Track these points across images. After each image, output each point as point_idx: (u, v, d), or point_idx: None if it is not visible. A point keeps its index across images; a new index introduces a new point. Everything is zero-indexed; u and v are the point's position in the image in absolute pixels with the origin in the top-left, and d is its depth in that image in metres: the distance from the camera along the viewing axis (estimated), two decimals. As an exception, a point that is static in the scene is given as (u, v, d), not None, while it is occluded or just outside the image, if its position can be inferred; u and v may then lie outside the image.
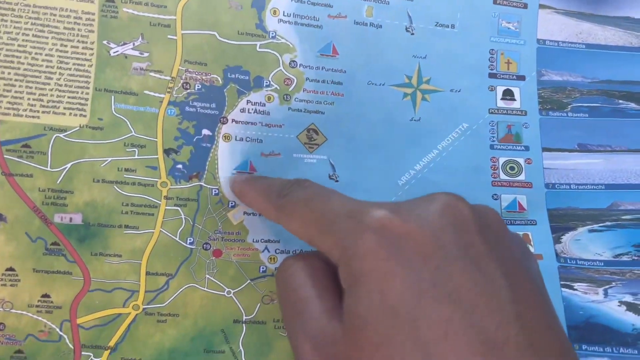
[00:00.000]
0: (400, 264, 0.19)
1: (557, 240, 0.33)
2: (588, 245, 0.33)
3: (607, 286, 0.32)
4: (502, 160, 0.35)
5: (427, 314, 0.17)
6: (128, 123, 0.32)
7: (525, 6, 0.38)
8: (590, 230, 0.33)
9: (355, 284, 0.20)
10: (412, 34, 0.36)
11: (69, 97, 0.32)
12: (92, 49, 0.32)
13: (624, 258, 0.33)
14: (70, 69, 0.32)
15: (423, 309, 0.18)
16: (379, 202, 0.22)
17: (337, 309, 0.21)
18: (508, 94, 0.36)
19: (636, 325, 0.31)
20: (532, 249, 0.33)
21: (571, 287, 0.32)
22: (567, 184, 0.34)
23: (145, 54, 0.33)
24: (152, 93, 0.33)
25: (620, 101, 0.36)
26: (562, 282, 0.32)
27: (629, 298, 0.32)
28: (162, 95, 0.33)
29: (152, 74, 0.33)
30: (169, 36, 0.33)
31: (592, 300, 0.32)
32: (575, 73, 0.37)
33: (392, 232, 0.19)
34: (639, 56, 0.38)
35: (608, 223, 0.34)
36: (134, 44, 0.33)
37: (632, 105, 0.36)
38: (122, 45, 0.33)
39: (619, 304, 0.32)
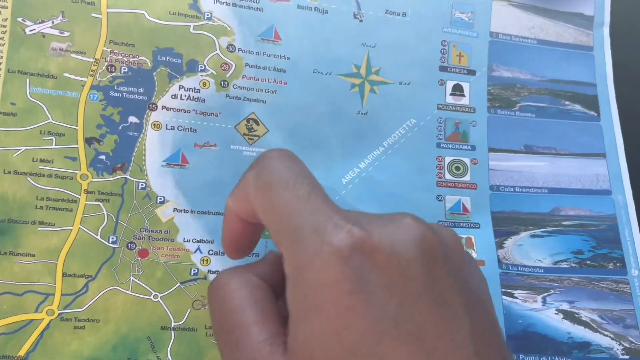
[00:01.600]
0: (364, 300, 0.17)
1: (499, 246, 0.35)
2: (529, 251, 0.35)
3: (545, 294, 0.35)
4: (448, 159, 0.36)
5: (387, 356, 0.17)
6: (45, 109, 0.31)
7: None
8: (532, 236, 0.36)
9: (307, 314, 0.18)
10: (361, 20, 0.37)
11: (-25, 78, 0.30)
12: (4, 26, 0.31)
13: (563, 265, 0.35)
14: (-24, 46, 0.30)
15: (383, 350, 0.17)
16: (348, 211, 0.21)
17: (279, 337, 0.20)
18: (457, 89, 0.37)
19: (571, 334, 0.34)
20: (474, 254, 0.34)
21: (511, 295, 0.34)
22: (511, 187, 0.36)
23: (66, 33, 0.32)
24: (72, 76, 0.32)
25: (567, 102, 0.39)
26: (503, 290, 0.34)
27: (565, 306, 0.34)
28: (84, 79, 0.32)
29: (73, 55, 0.32)
30: (92, 14, 0.33)
31: (531, 309, 0.34)
32: (525, 70, 0.39)
33: (360, 258, 0.18)
34: (587, 55, 0.40)
35: (549, 228, 0.36)
36: (53, 22, 0.32)
37: (578, 107, 0.38)
38: (39, 23, 0.31)
39: (556, 312, 0.34)
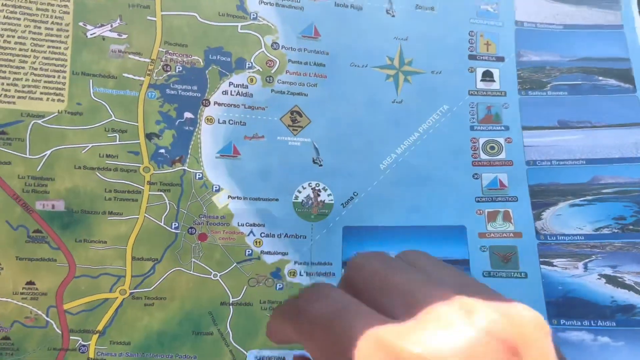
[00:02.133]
0: None
1: (537, 217, 0.36)
2: (569, 220, 0.37)
3: (587, 260, 0.36)
4: (482, 140, 0.38)
5: None
6: (108, 107, 0.34)
7: None
8: (572, 205, 0.37)
9: None
10: (393, 16, 0.39)
11: (45, 82, 0.33)
12: (67, 30, 0.34)
13: (605, 231, 0.36)
14: (45, 52, 0.33)
15: None
16: (411, 323, 0.18)
17: None
18: (487, 75, 0.39)
19: (615, 298, 0.35)
20: (512, 227, 0.36)
21: (550, 264, 0.36)
22: (548, 160, 0.37)
23: (124, 36, 0.35)
24: (131, 76, 0.35)
25: (600, 77, 0.40)
26: (541, 260, 0.36)
27: (608, 271, 0.35)
28: (142, 78, 0.35)
29: (131, 56, 0.35)
30: (148, 17, 0.35)
31: (572, 275, 0.35)
32: (554, 53, 0.41)
33: None
34: (617, 33, 0.41)
35: (589, 197, 0.37)
36: (111, 26, 0.35)
37: (612, 81, 0.39)
38: (99, 27, 0.34)
39: (598, 277, 0.35)
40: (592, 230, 0.36)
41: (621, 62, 0.40)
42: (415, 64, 0.39)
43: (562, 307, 0.34)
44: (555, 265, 0.35)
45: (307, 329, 0.20)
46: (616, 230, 0.36)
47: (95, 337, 0.32)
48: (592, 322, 0.34)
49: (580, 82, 0.39)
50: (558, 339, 0.33)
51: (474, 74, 0.39)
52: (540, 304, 0.34)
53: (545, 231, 0.36)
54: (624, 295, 0.34)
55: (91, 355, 0.32)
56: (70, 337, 0.32)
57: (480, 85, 0.39)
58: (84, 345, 0.32)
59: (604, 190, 0.37)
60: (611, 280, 0.35)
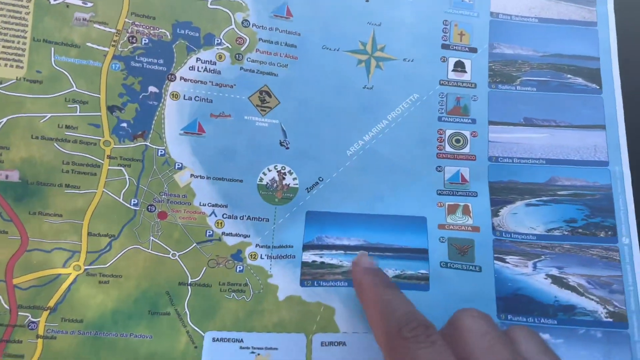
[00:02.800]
0: None
1: (495, 214, 0.37)
2: (524, 219, 0.37)
3: (536, 259, 0.37)
4: (448, 132, 0.38)
5: None
6: (69, 77, 0.33)
7: None
8: (528, 205, 0.38)
9: None
10: (367, 0, 0.39)
11: (3, 47, 0.32)
12: None
13: (555, 232, 0.37)
14: (4, 15, 0.32)
15: None
16: None
17: None
18: (459, 66, 0.39)
19: (558, 298, 0.36)
20: (470, 220, 0.36)
21: (503, 260, 0.36)
22: (509, 158, 0.38)
23: (89, 4, 0.33)
24: (95, 46, 0.34)
25: (569, 76, 0.40)
26: (495, 255, 0.37)
27: (554, 271, 0.37)
28: (106, 49, 0.34)
29: (96, 25, 0.34)
30: None
31: (522, 273, 0.36)
32: (526, 46, 0.41)
33: None
34: (591, 30, 0.42)
35: (545, 198, 0.38)
36: None
37: (579, 80, 0.40)
38: None
39: (545, 276, 0.36)
40: (544, 230, 0.37)
41: (591, 61, 0.41)
42: (388, 50, 0.38)
43: (510, 303, 0.35)
44: (508, 262, 0.36)
45: (404, 354, 0.26)
46: (566, 233, 0.37)
47: (45, 313, 0.31)
48: (535, 319, 0.35)
49: (549, 79, 0.40)
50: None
51: (445, 63, 0.39)
52: (491, 298, 0.35)
53: (501, 228, 0.37)
54: (566, 296, 0.35)
55: (40, 332, 0.31)
56: (19, 313, 0.31)
57: (452, 75, 0.39)
58: (33, 322, 0.31)
59: (560, 192, 0.38)
60: (556, 280, 0.36)
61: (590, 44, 0.41)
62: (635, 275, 0.36)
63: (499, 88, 0.39)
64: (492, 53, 0.40)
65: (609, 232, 0.37)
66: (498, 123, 0.39)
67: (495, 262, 0.36)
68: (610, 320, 0.35)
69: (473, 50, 0.40)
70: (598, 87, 0.40)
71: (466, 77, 0.39)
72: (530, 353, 0.26)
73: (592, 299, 0.35)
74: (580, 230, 0.37)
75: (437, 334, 0.26)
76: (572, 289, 0.35)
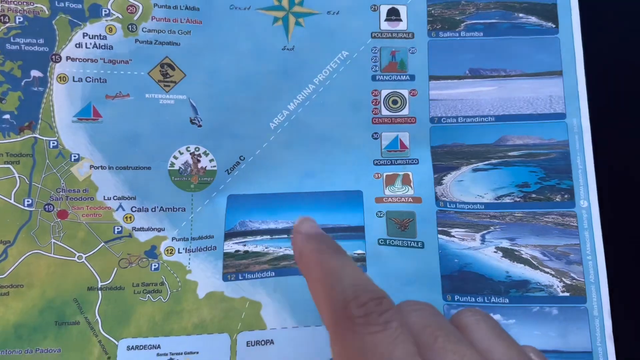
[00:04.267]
0: None
1: (438, 182, 0.33)
2: (470, 186, 0.33)
3: (485, 231, 0.33)
4: (384, 93, 0.34)
5: None
6: None
7: None
8: (475, 170, 0.34)
9: None
10: None
11: None
12: None
13: (506, 200, 0.33)
14: None
15: None
16: None
17: None
18: (393, 14, 0.34)
19: (510, 273, 0.32)
20: (411, 191, 0.32)
21: (448, 234, 0.33)
22: (454, 117, 0.34)
23: None
24: None
25: (521, 15, 0.35)
26: (439, 228, 0.33)
27: (506, 244, 0.33)
28: None
29: None
30: None
31: (469, 247, 0.33)
32: None
33: None
34: None
35: (494, 161, 0.34)
36: None
37: (533, 19, 0.35)
38: None
39: (495, 250, 0.33)
40: (493, 198, 0.33)
41: None
42: (308, 3, 0.33)
43: (457, 282, 0.32)
44: (453, 236, 0.32)
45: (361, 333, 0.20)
46: (518, 199, 0.33)
47: (-60, 334, 0.28)
48: (485, 298, 0.31)
49: (498, 21, 0.35)
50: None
51: (377, 13, 0.34)
52: (436, 277, 0.32)
53: (445, 198, 0.33)
54: (519, 270, 0.32)
55: None
56: None
57: (385, 26, 0.34)
58: None
59: (511, 153, 0.33)
60: (508, 253, 0.32)
61: None
62: (594, 243, 0.32)
63: (440, 36, 0.34)
64: None
65: (566, 196, 0.32)
66: (440, 77, 0.34)
67: (439, 236, 0.32)
68: (567, 294, 0.31)
69: None
70: (554, 26, 0.35)
71: (401, 26, 0.34)
72: (481, 341, 0.21)
73: (547, 272, 0.32)
74: (533, 195, 0.33)
75: (394, 310, 0.20)
76: (525, 262, 0.32)
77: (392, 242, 0.32)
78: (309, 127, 0.33)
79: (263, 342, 0.30)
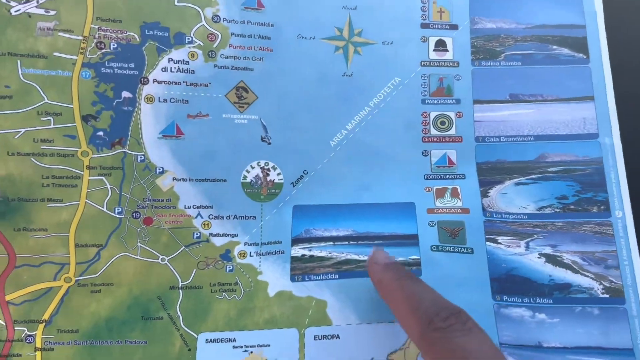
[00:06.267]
0: None
1: (484, 194, 0.35)
2: (514, 198, 0.36)
3: (528, 239, 0.35)
4: (433, 115, 0.36)
5: None
6: (39, 89, 0.31)
7: None
8: (517, 184, 0.36)
9: None
10: None
11: (-32, 63, 0.30)
12: None
13: (547, 210, 0.35)
14: (-35, 30, 0.30)
15: None
16: None
17: None
18: (440, 45, 0.36)
19: (553, 276, 0.35)
20: (460, 203, 0.34)
21: (495, 241, 0.35)
22: (496, 137, 0.36)
23: (52, 12, 0.32)
24: (63, 55, 0.32)
25: (554, 47, 0.38)
26: (487, 236, 0.35)
27: (548, 250, 0.35)
28: (74, 57, 0.32)
29: (61, 33, 0.32)
30: None
31: (514, 253, 0.35)
32: (509, 19, 0.38)
33: None
34: None
35: (534, 176, 0.36)
36: (37, 2, 0.32)
37: (565, 50, 0.37)
38: (24, 3, 0.31)
39: (538, 256, 0.35)
40: (535, 209, 0.35)
41: (576, 29, 0.38)
42: (366, 34, 0.36)
43: (505, 284, 0.34)
44: (500, 243, 0.35)
45: (441, 347, 0.24)
46: (558, 210, 0.35)
47: (41, 326, 0.30)
48: (531, 299, 0.34)
49: (534, 52, 0.37)
50: (501, 316, 0.33)
51: (426, 43, 0.37)
52: (485, 280, 0.34)
53: (492, 209, 0.35)
54: (561, 274, 0.34)
55: (38, 344, 0.30)
56: (15, 328, 0.30)
57: (433, 55, 0.37)
58: (30, 335, 0.30)
59: (550, 169, 0.36)
60: (550, 259, 0.34)
61: (575, 11, 0.38)
62: (630, 249, 0.34)
63: (483, 65, 0.37)
64: (474, 29, 0.37)
65: (602, 207, 0.35)
66: (483, 101, 0.37)
67: (487, 243, 0.34)
68: (607, 296, 0.33)
69: (454, 27, 0.37)
70: (585, 57, 0.37)
71: (448, 56, 0.37)
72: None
73: (588, 276, 0.34)
74: (572, 206, 0.35)
75: (471, 319, 0.25)
76: (567, 266, 0.34)
77: (444, 249, 0.34)
78: (365, 145, 0.35)
79: (329, 337, 0.32)
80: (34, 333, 0.30)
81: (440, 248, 0.34)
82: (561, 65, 0.37)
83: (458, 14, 0.37)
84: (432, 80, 0.37)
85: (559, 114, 0.36)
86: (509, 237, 0.34)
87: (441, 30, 0.37)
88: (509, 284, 0.34)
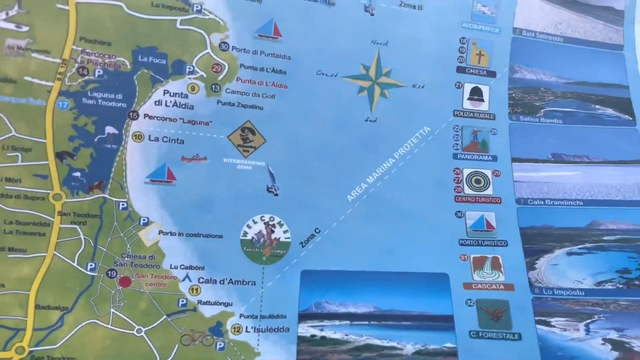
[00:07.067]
0: None
1: (530, 267, 0.31)
2: (566, 270, 0.31)
3: (588, 320, 0.30)
4: (466, 172, 0.32)
5: None
6: (6, 120, 0.27)
7: None
8: (569, 254, 0.32)
9: None
10: (372, 14, 0.32)
11: None
12: None
13: (607, 286, 0.31)
14: None
15: None
16: None
17: None
18: (476, 93, 0.33)
19: None
20: (502, 277, 0.30)
21: (548, 324, 0.30)
22: (540, 199, 0.32)
23: (24, 28, 0.27)
24: (36, 80, 0.27)
25: (597, 106, 0.35)
26: (537, 318, 0.30)
27: (613, 335, 0.30)
28: (50, 84, 0.27)
29: (35, 54, 0.27)
30: (57, 5, 0.28)
31: (572, 338, 0.30)
32: (549, 72, 0.35)
33: None
34: (617, 55, 0.36)
35: (588, 245, 0.32)
36: (7, 14, 0.27)
37: (610, 110, 0.35)
38: None
39: (602, 342, 0.30)
40: (593, 284, 0.31)
41: (619, 89, 0.35)
42: (395, 74, 0.32)
43: None
44: (553, 326, 0.30)
45: None
46: (620, 286, 0.31)
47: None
48: None
49: (575, 110, 0.34)
50: None
51: (461, 90, 0.33)
52: None
53: (540, 283, 0.31)
54: None
55: None
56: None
57: (467, 104, 0.33)
58: None
59: (605, 238, 0.32)
60: (617, 346, 0.30)
61: (618, 70, 0.35)
62: None
63: (521, 120, 0.33)
64: (513, 78, 0.34)
65: None
66: (523, 160, 0.33)
67: (538, 326, 0.30)
68: None
69: (492, 74, 0.33)
70: (631, 119, 0.34)
71: (484, 106, 0.33)
72: None
73: None
74: (637, 282, 0.31)
75: None
76: (638, 355, 0.29)
77: (486, 335, 0.29)
78: (388, 201, 0.31)
79: None
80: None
81: (480, 334, 0.29)
82: (607, 126, 0.34)
83: (498, 59, 0.34)
84: (465, 133, 0.32)
85: (609, 177, 0.33)
86: (564, 319, 0.30)
87: (478, 76, 0.33)
88: None
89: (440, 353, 0.29)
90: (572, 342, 0.29)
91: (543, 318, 0.30)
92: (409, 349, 0.28)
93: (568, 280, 0.31)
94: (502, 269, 0.31)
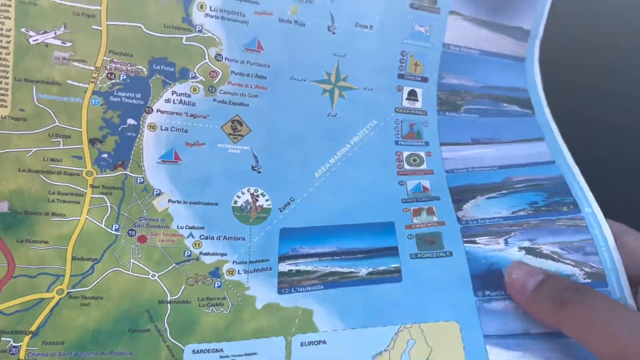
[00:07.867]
0: None
1: (458, 209, 0.38)
2: (487, 207, 0.37)
3: (506, 236, 0.36)
4: (405, 154, 0.39)
5: None
6: (52, 113, 0.33)
7: (438, 11, 0.41)
8: (489, 198, 0.38)
9: None
10: (334, 33, 0.39)
11: (-14, 87, 0.31)
12: (9, 36, 0.32)
13: (520, 213, 0.37)
14: (-15, 57, 0.31)
15: None
16: None
17: None
18: (412, 95, 0.40)
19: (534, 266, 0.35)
20: (435, 218, 0.37)
21: (474, 242, 0.36)
22: (464, 168, 0.39)
23: (68, 44, 0.33)
24: (75, 83, 0.34)
25: (505, 104, 0.42)
26: (464, 239, 0.36)
27: (527, 244, 0.35)
28: (85, 86, 0.34)
29: (75, 63, 0.34)
30: (93, 26, 0.34)
31: (494, 250, 0.35)
32: (470, 78, 0.42)
33: None
34: (521, 65, 0.43)
35: (504, 191, 0.38)
36: (55, 33, 0.33)
37: (515, 107, 0.42)
38: (42, 33, 0.33)
39: (518, 249, 0.35)
40: (509, 213, 0.36)
41: (522, 92, 0.43)
42: (350, 80, 0.39)
43: (487, 280, 0.34)
44: (479, 243, 0.35)
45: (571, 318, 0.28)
46: (530, 212, 0.36)
47: (27, 338, 0.31)
48: None
49: (488, 107, 0.41)
50: (484, 310, 0.33)
51: (401, 92, 0.40)
52: (466, 278, 0.34)
53: (467, 218, 0.37)
54: (542, 264, 0.34)
55: (21, 356, 0.30)
56: (2, 339, 0.30)
57: (405, 103, 0.40)
58: (15, 347, 0.30)
59: (517, 186, 0.38)
60: (530, 251, 0.35)
61: (520, 78, 0.42)
62: (605, 238, 0.34)
63: (446, 115, 0.41)
64: (441, 83, 0.41)
65: (571, 206, 0.36)
66: (449, 144, 0.40)
67: (466, 245, 0.35)
68: (589, 280, 0.33)
69: (425, 79, 0.41)
70: (531, 112, 0.42)
71: (418, 105, 0.40)
72: None
73: (569, 263, 0.34)
74: (543, 208, 0.36)
75: None
76: (547, 256, 0.34)
77: (423, 255, 0.35)
78: (346, 176, 0.38)
79: (316, 343, 0.33)
80: (19, 344, 0.30)
81: (419, 255, 0.35)
82: (512, 118, 0.41)
83: (430, 68, 0.41)
84: (404, 125, 0.40)
85: (516, 149, 0.39)
86: (487, 237, 0.35)
87: (414, 81, 0.41)
88: (491, 278, 0.34)
89: (387, 272, 0.35)
90: (493, 253, 0.35)
91: (470, 239, 0.36)
92: (363, 271, 0.35)
93: (489, 213, 0.36)
94: (435, 213, 0.37)
